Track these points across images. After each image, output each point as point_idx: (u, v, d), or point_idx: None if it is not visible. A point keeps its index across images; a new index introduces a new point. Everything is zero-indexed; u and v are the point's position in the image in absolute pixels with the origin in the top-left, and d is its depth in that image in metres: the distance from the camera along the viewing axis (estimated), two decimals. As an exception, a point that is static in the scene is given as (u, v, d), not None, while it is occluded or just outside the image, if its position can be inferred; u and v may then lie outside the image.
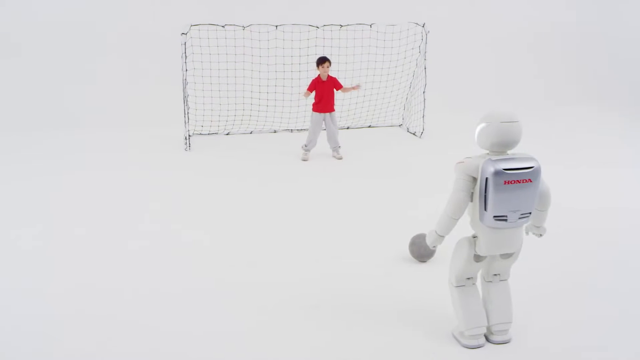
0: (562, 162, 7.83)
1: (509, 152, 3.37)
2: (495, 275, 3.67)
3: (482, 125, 3.32)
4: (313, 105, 8.17)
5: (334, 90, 8.11)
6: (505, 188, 3.22)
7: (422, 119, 9.62)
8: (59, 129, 9.52)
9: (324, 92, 8.03)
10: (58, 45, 10.22)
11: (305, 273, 4.64)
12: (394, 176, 7.36)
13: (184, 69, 8.64)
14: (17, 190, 6.66)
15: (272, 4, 10.15)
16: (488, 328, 3.66)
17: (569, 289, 4.36)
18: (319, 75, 7.99)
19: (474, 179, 3.32)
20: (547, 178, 3.44)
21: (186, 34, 8.49)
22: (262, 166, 7.83)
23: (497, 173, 3.20)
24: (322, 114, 8.14)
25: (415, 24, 9.39)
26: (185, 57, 8.66)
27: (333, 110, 8.20)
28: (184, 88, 8.70)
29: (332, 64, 7.98)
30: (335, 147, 8.34)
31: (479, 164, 3.27)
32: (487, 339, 3.67)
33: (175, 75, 8.89)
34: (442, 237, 3.53)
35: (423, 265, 4.77)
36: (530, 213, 3.34)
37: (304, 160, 8.20)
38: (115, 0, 10.38)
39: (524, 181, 3.24)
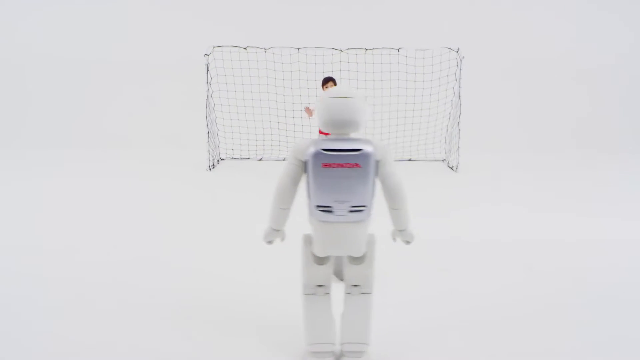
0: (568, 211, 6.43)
1: (352, 135, 2.87)
2: (355, 286, 3.08)
3: (318, 104, 2.87)
4: (320, 128, 7.87)
5: None
6: (326, 172, 2.71)
7: (457, 151, 8.91)
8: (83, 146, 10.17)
9: None
10: (84, 70, 10.95)
11: (208, 281, 4.28)
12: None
13: (209, 91, 8.79)
14: (33, 190, 7.22)
15: (295, 26, 10.08)
16: (341, 347, 3.07)
17: (465, 325, 3.58)
18: None
19: (304, 163, 2.85)
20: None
21: (209, 55, 8.66)
22: (267, 186, 7.59)
23: (316, 154, 2.71)
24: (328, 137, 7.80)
25: (448, 49, 8.82)
26: (210, 78, 8.82)
27: None
28: (207, 108, 8.81)
29: (337, 85, 7.69)
30: (347, 172, 7.90)
31: (307, 145, 2.80)
32: (339, 361, 3.07)
33: (200, 96, 9.02)
34: (277, 230, 3.04)
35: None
36: (365, 206, 2.77)
37: (315, 184, 7.84)
38: (139, 23, 10.90)
39: (349, 166, 2.70)
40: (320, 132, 7.87)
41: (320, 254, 2.92)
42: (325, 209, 2.77)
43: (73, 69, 10.95)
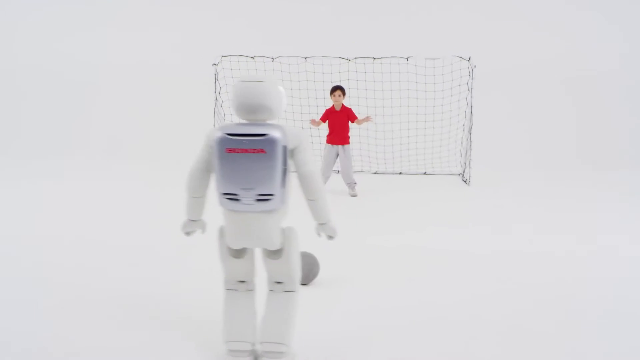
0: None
1: (269, 122, 2.76)
2: (278, 283, 2.93)
3: (232, 90, 2.79)
4: (327, 136, 7.76)
5: (349, 122, 7.63)
6: (229, 158, 2.61)
7: (469, 163, 8.59)
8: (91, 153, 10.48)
9: (336, 123, 7.60)
10: (90, 77, 11.17)
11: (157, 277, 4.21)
12: (396, 216, 6.42)
13: (219, 101, 8.82)
14: (36, 192, 7.50)
15: (302, 35, 10.00)
16: (260, 346, 2.91)
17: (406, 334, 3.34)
18: (333, 105, 7.61)
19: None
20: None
21: (217, 64, 8.71)
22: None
23: (221, 139, 2.61)
24: (335, 147, 7.67)
25: (459, 58, 8.56)
26: (220, 87, 8.86)
27: (347, 143, 7.67)
28: (214, 118, 8.84)
29: (346, 94, 7.62)
30: (351, 184, 7.71)
31: (215, 130, 2.71)
32: (258, 361, 2.90)
33: (210, 105, 9.07)
34: (194, 221, 2.95)
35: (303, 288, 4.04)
36: (272, 195, 2.63)
37: (316, 194, 7.70)
38: (146, 31, 11.04)
39: (253, 151, 2.58)
40: (327, 142, 7.76)
41: (233, 246, 2.79)
42: (232, 197, 2.65)
43: (80, 76, 11.20)
